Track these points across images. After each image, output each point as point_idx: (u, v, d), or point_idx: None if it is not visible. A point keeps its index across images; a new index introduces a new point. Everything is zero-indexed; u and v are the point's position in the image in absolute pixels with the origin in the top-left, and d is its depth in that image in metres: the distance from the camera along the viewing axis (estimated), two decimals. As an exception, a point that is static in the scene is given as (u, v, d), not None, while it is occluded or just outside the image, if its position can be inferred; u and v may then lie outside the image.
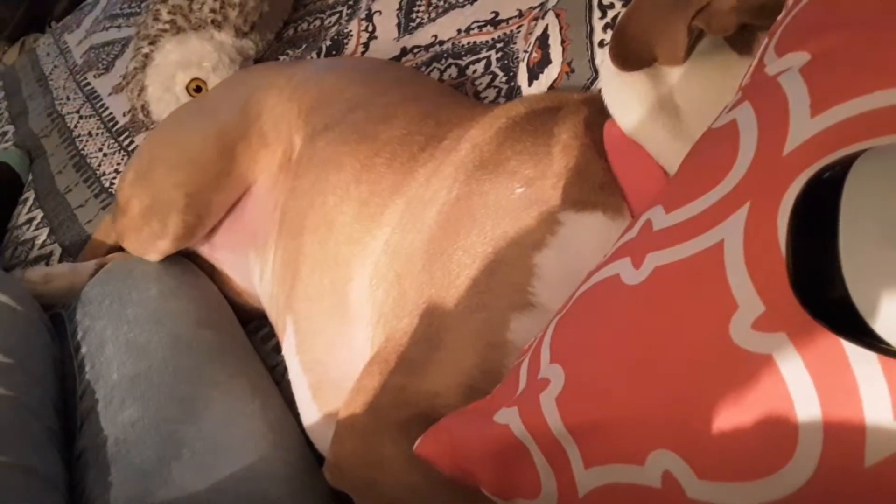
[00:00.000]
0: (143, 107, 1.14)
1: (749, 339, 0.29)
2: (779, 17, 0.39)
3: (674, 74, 0.51)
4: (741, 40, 0.47)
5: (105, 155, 1.19)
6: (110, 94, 1.34)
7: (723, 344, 0.30)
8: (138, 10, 1.54)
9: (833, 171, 0.26)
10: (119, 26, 1.52)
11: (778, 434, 0.28)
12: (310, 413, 0.70)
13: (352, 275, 0.67)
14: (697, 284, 0.32)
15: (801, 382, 0.27)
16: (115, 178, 1.13)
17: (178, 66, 1.11)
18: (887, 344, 0.24)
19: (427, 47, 1.03)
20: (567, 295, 0.43)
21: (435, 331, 0.52)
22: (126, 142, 1.21)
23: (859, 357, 0.26)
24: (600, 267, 0.39)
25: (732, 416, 0.29)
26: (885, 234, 0.23)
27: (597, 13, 0.70)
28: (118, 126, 1.25)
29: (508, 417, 0.38)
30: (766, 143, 0.32)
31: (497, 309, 0.49)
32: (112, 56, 1.44)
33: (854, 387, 0.26)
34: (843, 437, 0.26)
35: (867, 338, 0.24)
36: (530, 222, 0.52)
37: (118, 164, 1.17)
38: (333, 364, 0.68)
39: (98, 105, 1.33)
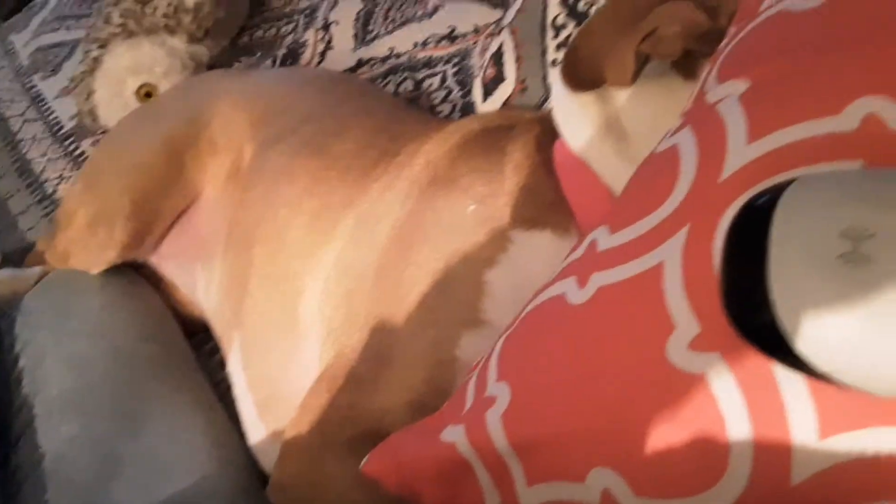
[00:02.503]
0: (90, 111, 1.11)
1: (685, 359, 0.30)
2: (721, 45, 0.41)
3: (622, 96, 0.53)
4: (686, 65, 0.49)
5: (49, 160, 1.15)
6: (57, 98, 1.30)
7: (660, 363, 0.30)
8: (89, 12, 1.50)
9: (764, 199, 0.27)
10: (69, 28, 1.48)
11: (711, 452, 0.29)
12: (255, 430, 0.69)
13: (302, 289, 0.66)
14: (638, 305, 0.33)
15: (732, 402, 0.28)
16: (58, 183, 1.10)
17: (129, 71, 1.09)
18: (812, 366, 0.25)
19: (383, 59, 1.03)
20: (516, 312, 0.44)
21: (385, 347, 0.52)
22: (72, 147, 1.17)
23: (787, 378, 0.27)
24: (547, 286, 0.40)
25: (668, 434, 0.30)
26: (810, 261, 0.24)
27: (550, 33, 0.71)
28: (64, 130, 1.21)
29: (455, 435, 0.38)
30: (705, 169, 0.33)
31: (447, 325, 0.50)
32: (60, 58, 1.40)
33: (782, 407, 0.27)
34: (772, 456, 0.27)
35: (793, 359, 0.25)
36: (482, 239, 0.52)
37: (62, 169, 1.13)
38: (281, 380, 0.68)
39: (44, 108, 1.30)
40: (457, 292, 0.51)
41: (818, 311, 0.24)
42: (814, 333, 0.24)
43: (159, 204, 0.81)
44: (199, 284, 0.84)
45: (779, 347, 0.25)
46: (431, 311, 0.51)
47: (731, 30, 0.40)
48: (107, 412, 0.67)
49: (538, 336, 0.37)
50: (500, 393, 0.36)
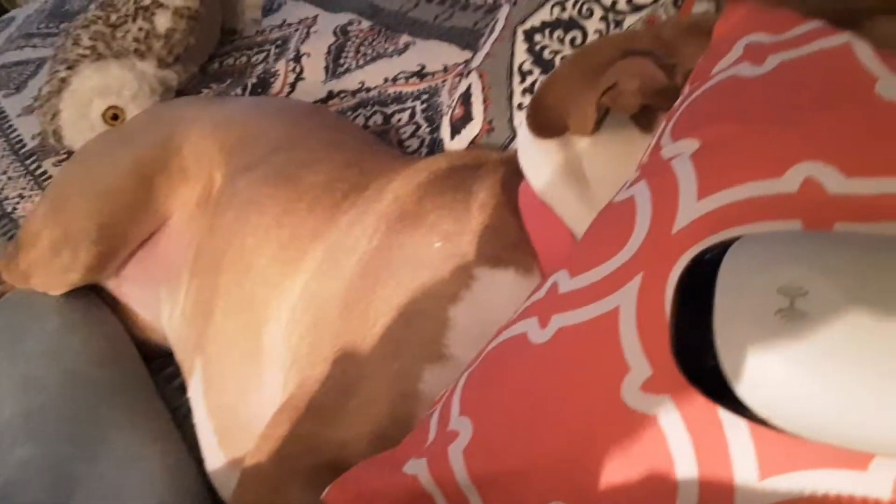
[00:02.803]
0: (55, 131, 1.10)
1: (638, 400, 0.32)
2: (676, 104, 0.44)
3: (583, 144, 0.55)
4: (643, 119, 0.52)
5: (10, 178, 1.14)
6: (19, 115, 1.29)
7: (615, 403, 0.32)
8: (56, 31, 1.49)
9: (712, 254, 0.29)
10: (34, 46, 1.47)
11: (660, 489, 0.30)
12: (214, 458, 0.69)
13: (267, 318, 0.67)
14: (595, 346, 0.35)
15: (681, 442, 0.30)
16: (18, 202, 1.09)
17: (96, 93, 1.08)
18: (752, 410, 0.27)
19: (354, 93, 1.05)
20: (479, 347, 0.45)
21: (349, 378, 0.53)
22: (33, 166, 1.16)
23: (731, 422, 0.29)
24: (510, 324, 0.41)
25: (621, 471, 0.32)
26: (750, 314, 0.27)
27: (517, 78, 0.74)
28: (26, 149, 1.20)
29: (417, 468, 0.39)
30: (659, 221, 0.35)
31: (411, 359, 0.51)
32: (25, 76, 1.39)
33: (726, 449, 0.29)
34: (716, 494, 0.29)
35: (736, 404, 0.27)
36: (447, 276, 0.54)
37: (23, 188, 1.12)
38: (242, 408, 0.68)
39: (6, 126, 1.28)
40: (421, 326, 0.52)
41: (756, 360, 0.26)
42: (753, 380, 0.27)
43: (126, 228, 0.81)
44: (163, 308, 0.84)
45: (723, 392, 0.27)
46: (396, 344, 0.53)
47: (686, 90, 0.43)
48: (61, 436, 0.66)
49: (501, 373, 0.39)
50: (463, 428, 0.38)
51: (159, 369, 0.84)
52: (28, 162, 1.17)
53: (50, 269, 0.80)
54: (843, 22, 0.41)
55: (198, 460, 0.71)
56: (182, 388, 0.79)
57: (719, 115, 0.38)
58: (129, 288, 0.87)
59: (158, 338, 0.86)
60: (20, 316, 0.78)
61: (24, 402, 0.69)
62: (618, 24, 0.67)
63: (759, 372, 0.27)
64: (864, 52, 0.36)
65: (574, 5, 0.70)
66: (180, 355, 0.79)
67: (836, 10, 0.44)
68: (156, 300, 0.85)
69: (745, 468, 0.29)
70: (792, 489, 0.28)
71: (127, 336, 0.84)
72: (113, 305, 0.87)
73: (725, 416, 0.29)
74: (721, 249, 0.30)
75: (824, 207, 0.32)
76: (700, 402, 0.30)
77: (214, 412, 0.69)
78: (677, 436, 0.30)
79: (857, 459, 0.28)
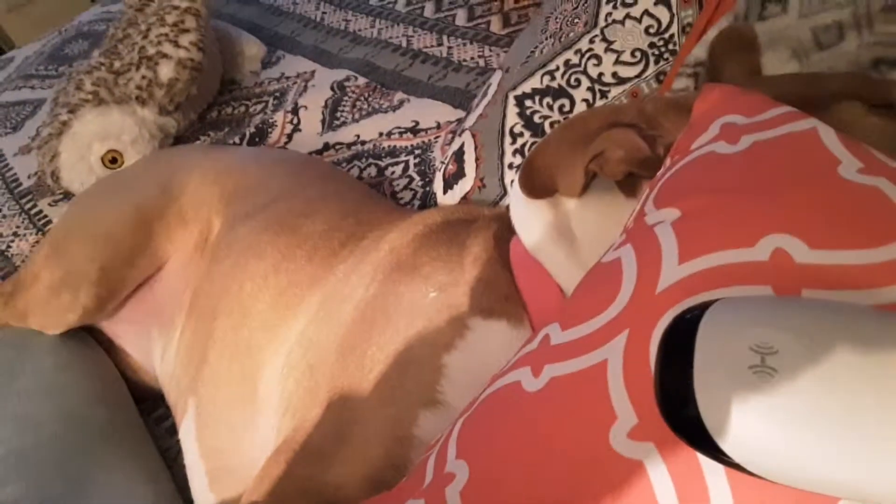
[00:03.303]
0: (53, 172, 1.13)
1: (625, 447, 0.35)
2: (658, 174, 0.48)
3: (571, 205, 0.59)
4: (627, 185, 0.56)
5: (4, 217, 1.15)
6: (16, 155, 1.31)
7: (603, 449, 0.35)
8: (55, 74, 1.53)
9: (692, 314, 0.33)
10: (33, 87, 1.50)
11: (645, 530, 0.33)
12: (204, 501, 0.70)
13: (263, 362, 0.68)
14: (585, 396, 0.38)
15: (664, 487, 0.33)
16: (12, 240, 1.10)
17: (96, 137, 1.11)
18: (729, 457, 0.30)
19: (349, 145, 1.09)
20: (472, 394, 0.48)
21: (345, 423, 0.55)
22: (28, 205, 1.18)
23: (710, 467, 0.32)
24: (504, 373, 0.44)
25: (609, 513, 0.34)
26: (726, 368, 0.30)
27: (508, 139, 0.78)
28: (21, 188, 1.22)
29: (414, 509, 0.41)
30: (643, 282, 0.39)
31: (406, 404, 0.53)
32: (22, 116, 1.42)
33: (706, 493, 0.32)
34: (696, 534, 0.32)
35: (714, 451, 0.30)
36: (441, 325, 0.56)
37: (17, 227, 1.13)
38: (234, 451, 0.69)
39: (2, 165, 1.30)
40: (416, 373, 0.55)
41: (732, 411, 0.29)
42: (729, 429, 0.30)
43: (125, 272, 0.83)
44: (155, 350, 0.85)
45: (703, 439, 0.30)
46: (392, 390, 0.55)
47: (667, 162, 0.47)
48: (53, 475, 0.66)
49: (496, 419, 0.41)
50: (459, 470, 0.40)
51: (150, 411, 0.85)
52: (23, 201, 1.19)
53: (49, 309, 0.81)
54: (811, 105, 0.46)
55: (187, 501, 0.71)
56: (172, 430, 0.80)
57: (698, 188, 0.42)
58: (123, 329, 0.88)
59: (149, 379, 0.87)
60: (14, 354, 0.79)
61: (17, 441, 0.69)
62: (603, 94, 0.72)
63: (735, 422, 0.30)
64: (829, 136, 0.41)
65: (563, 75, 0.75)
66: (172, 397, 0.80)
67: (805, 94, 0.49)
68: (148, 342, 0.87)
69: (722, 510, 0.32)
70: (764, 531, 0.31)
71: (119, 376, 0.85)
72: (106, 346, 0.88)
73: (705, 462, 0.32)
74: (700, 310, 0.33)
75: (792, 275, 0.35)
76: (682, 448, 0.33)
77: (206, 454, 0.71)
78: (661, 480, 0.33)
79: (824, 503, 0.31)
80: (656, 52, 0.71)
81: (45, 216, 1.14)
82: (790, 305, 0.33)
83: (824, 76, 0.56)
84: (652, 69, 0.71)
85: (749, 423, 0.29)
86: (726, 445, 0.30)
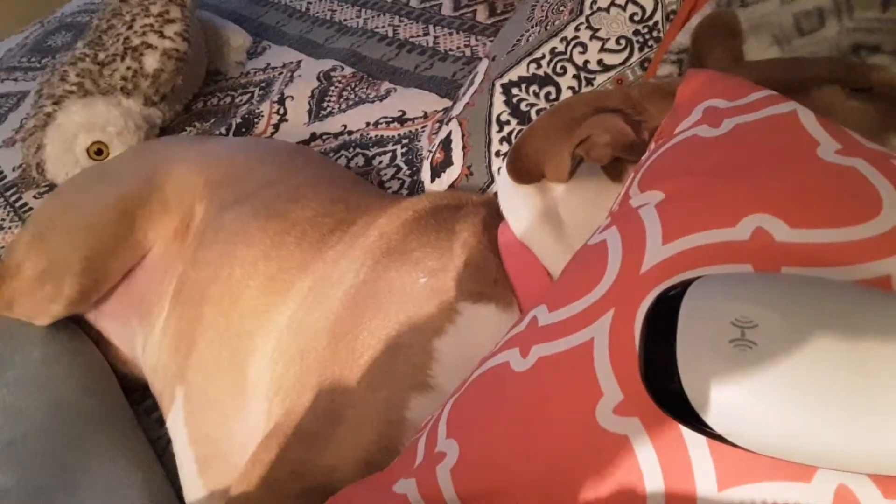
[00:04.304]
0: (38, 164, 1.12)
1: (611, 422, 0.36)
2: (643, 158, 0.48)
3: (559, 190, 0.60)
4: (614, 169, 0.57)
5: (-11, 209, 1.15)
6: (0, 147, 1.30)
7: (590, 425, 0.36)
8: (38, 66, 1.51)
9: (675, 291, 0.34)
10: (16, 79, 1.49)
11: (631, 503, 0.34)
12: (194, 488, 0.70)
13: (253, 347, 0.69)
14: (572, 374, 0.39)
15: (649, 459, 0.34)
16: (-4, 232, 1.10)
17: (82, 128, 1.11)
18: (712, 429, 0.31)
19: (336, 135, 1.09)
20: (462, 377, 0.48)
21: (337, 406, 0.56)
22: (13, 197, 1.17)
23: (693, 439, 0.33)
24: (493, 354, 0.45)
25: (597, 486, 0.35)
26: (708, 343, 0.31)
27: (495, 127, 0.79)
28: (6, 181, 1.21)
29: (406, 487, 0.42)
30: (628, 262, 0.40)
31: (397, 388, 0.54)
32: (6, 108, 1.40)
33: (689, 464, 0.33)
34: (680, 504, 0.33)
35: (697, 423, 0.31)
36: (431, 310, 0.57)
37: (2, 219, 1.13)
38: (224, 438, 0.69)
39: (-15, 157, 1.29)
40: (407, 357, 0.55)
41: (714, 384, 0.30)
42: (711, 402, 0.31)
43: (109, 262, 0.83)
44: (137, 340, 0.85)
45: (686, 412, 0.31)
46: (383, 374, 0.56)
47: (652, 146, 0.48)
48: (44, 465, 0.67)
49: (485, 398, 0.42)
50: (450, 449, 0.41)
51: (139, 402, 0.85)
52: (8, 193, 1.18)
53: (34, 300, 0.81)
54: (791, 90, 0.47)
55: (177, 490, 0.72)
56: (161, 421, 0.80)
57: (681, 171, 0.43)
58: (107, 322, 0.88)
59: (137, 371, 0.87)
60: (3, 345, 0.79)
61: (7, 431, 0.69)
62: (589, 82, 0.73)
63: (717, 395, 0.31)
64: (808, 119, 0.42)
65: (549, 63, 0.76)
66: (157, 387, 0.80)
67: (786, 78, 0.50)
68: (131, 333, 0.87)
69: (705, 481, 0.33)
70: (745, 499, 0.32)
71: (108, 368, 0.85)
72: (94, 338, 0.88)
73: (688, 435, 0.33)
74: (683, 287, 0.34)
75: (772, 253, 0.36)
76: (666, 422, 0.34)
77: (196, 440, 0.71)
78: (646, 453, 0.34)
79: (803, 472, 0.32)
80: (641, 40, 0.72)
81: (31, 208, 1.13)
82: (769, 281, 0.34)
83: (805, 61, 0.57)
84: (637, 56, 0.72)
85: (730, 395, 0.30)
86: (709, 417, 0.31)
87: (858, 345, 0.30)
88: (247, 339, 0.69)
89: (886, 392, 0.29)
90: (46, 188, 1.16)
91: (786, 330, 0.31)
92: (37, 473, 0.66)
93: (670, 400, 0.32)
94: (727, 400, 0.31)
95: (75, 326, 0.87)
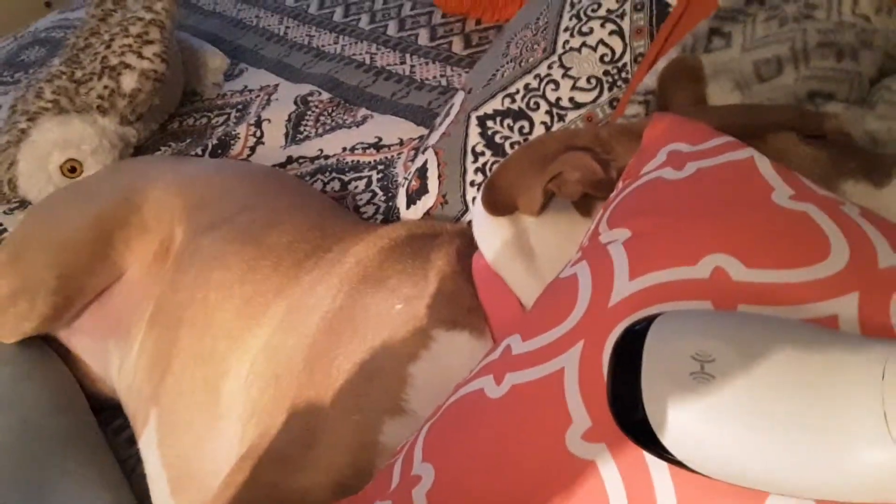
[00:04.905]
0: (10, 181, 1.11)
1: (579, 448, 0.38)
2: (611, 196, 0.51)
3: (531, 223, 0.62)
4: (584, 205, 0.59)
5: (-43, 224, 1.13)
6: (-31, 161, 1.29)
7: (560, 450, 0.38)
8: (11, 80, 1.50)
9: (640, 326, 0.36)
10: (-12, 93, 1.48)
11: (597, 524, 0.36)
12: (166, 508, 0.70)
13: (227, 371, 0.69)
14: (544, 401, 0.41)
15: (615, 483, 0.36)
16: (-35, 249, 1.08)
17: (56, 146, 1.10)
18: (673, 455, 0.33)
19: (312, 159, 1.11)
20: (435, 402, 0.50)
21: (311, 429, 0.57)
22: (-18, 212, 1.16)
23: (655, 465, 0.35)
24: (468, 381, 0.47)
25: (565, 509, 0.37)
26: (670, 375, 0.33)
27: (470, 157, 0.81)
28: (-25, 195, 1.20)
29: (382, 510, 0.43)
30: (597, 296, 0.42)
31: (372, 412, 0.55)
32: (-24, 122, 1.39)
33: (651, 488, 0.35)
34: (642, 526, 0.35)
35: (659, 450, 0.34)
36: (406, 336, 0.59)
37: (-30, 234, 1.11)
38: (197, 460, 0.69)
39: (-46, 171, 1.27)
40: (382, 382, 0.57)
41: (675, 414, 0.33)
42: (672, 429, 0.33)
43: (84, 281, 0.83)
44: (112, 360, 0.85)
45: (649, 439, 0.34)
46: (357, 398, 0.57)
47: (620, 185, 0.51)
48: (12, 484, 0.66)
49: (460, 424, 0.44)
50: (426, 473, 0.43)
51: (108, 421, 0.84)
52: (-23, 208, 1.16)
53: (5, 317, 0.81)
54: (749, 135, 0.50)
55: (146, 510, 0.72)
56: (131, 440, 0.80)
57: (647, 210, 0.46)
58: (80, 339, 0.88)
59: (107, 390, 0.87)
60: (-29, 363, 0.79)
61: (-26, 450, 0.69)
62: (560, 118, 0.76)
63: (676, 423, 0.33)
64: (764, 165, 0.45)
65: (523, 98, 0.79)
66: (131, 407, 0.80)
67: (745, 124, 0.54)
68: (105, 352, 0.86)
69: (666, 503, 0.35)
70: (703, 522, 0.35)
71: (78, 387, 0.85)
72: (63, 356, 0.87)
73: (651, 461, 0.35)
74: (647, 322, 0.36)
75: (730, 291, 0.39)
76: (631, 448, 0.36)
77: (169, 462, 0.71)
78: (611, 477, 0.36)
79: (756, 497, 0.34)
80: (610, 80, 0.75)
81: (0, 224, 1.12)
82: (727, 318, 0.36)
83: (762, 108, 0.60)
84: (606, 95, 0.75)
85: (689, 423, 0.33)
86: (669, 444, 0.33)
87: (807, 378, 0.33)
88: (221, 362, 0.70)
89: (831, 423, 0.32)
90: (17, 204, 1.15)
91: (740, 364, 0.33)
92: (4, 491, 0.66)
93: (635, 427, 0.34)
94: (686, 428, 0.33)
95: (44, 344, 0.86)
